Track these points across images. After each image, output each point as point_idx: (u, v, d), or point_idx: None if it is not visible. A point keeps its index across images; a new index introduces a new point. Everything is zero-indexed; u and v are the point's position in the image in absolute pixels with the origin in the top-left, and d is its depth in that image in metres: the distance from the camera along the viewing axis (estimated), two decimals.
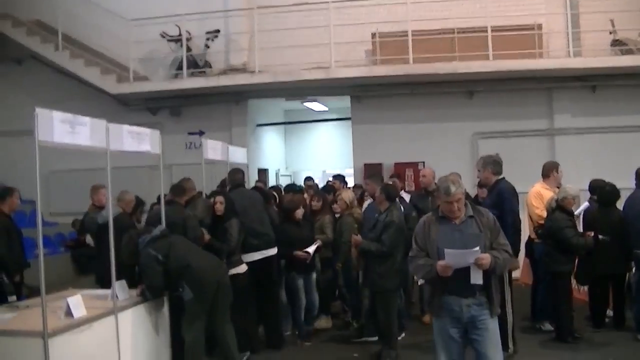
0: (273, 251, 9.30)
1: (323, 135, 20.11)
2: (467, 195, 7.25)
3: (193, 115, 15.77)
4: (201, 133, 15.02)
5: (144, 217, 9.83)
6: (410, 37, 13.97)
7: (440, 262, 5.63)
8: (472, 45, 14.14)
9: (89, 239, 11.51)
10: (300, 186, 12.46)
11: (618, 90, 14.74)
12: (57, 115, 5.95)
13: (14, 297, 7.38)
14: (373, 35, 14.96)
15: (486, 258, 5.57)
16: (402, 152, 14.98)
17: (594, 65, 14.08)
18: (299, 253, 9.36)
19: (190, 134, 15.66)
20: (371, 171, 13.85)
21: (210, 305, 7.49)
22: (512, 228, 7.81)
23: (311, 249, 9.44)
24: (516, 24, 14.33)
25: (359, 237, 8.69)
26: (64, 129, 6.00)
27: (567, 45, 14.53)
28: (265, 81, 14.54)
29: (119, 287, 7.14)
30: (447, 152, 14.49)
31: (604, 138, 14.55)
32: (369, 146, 15.37)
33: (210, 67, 15.48)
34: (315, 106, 17.75)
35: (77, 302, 6.38)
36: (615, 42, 14.50)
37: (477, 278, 5.65)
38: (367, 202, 10.63)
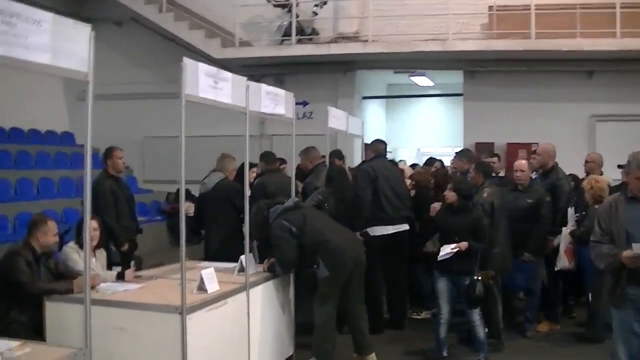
0: (406, 227, 8.89)
1: (427, 111, 19.37)
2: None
3: (297, 85, 15.08)
4: (305, 103, 14.41)
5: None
6: (533, 11, 13.19)
7: (627, 253, 4.99)
8: (595, 21, 13.26)
9: (187, 208, 11.07)
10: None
11: None
12: (202, 67, 5.41)
13: (118, 268, 6.89)
14: (490, 7, 14.21)
15: None
16: (515, 132, 14.22)
17: None
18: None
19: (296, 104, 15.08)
20: (482, 149, 13.20)
21: (344, 284, 6.92)
22: None
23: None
24: None
25: None
26: (207, 83, 5.47)
27: None
28: (378, 51, 13.91)
29: (249, 261, 6.62)
30: (562, 134, 13.61)
31: None
32: (480, 124, 14.63)
33: (318, 34, 14.90)
34: (421, 81, 17.03)
35: (211, 276, 5.88)
36: None
37: None
38: None
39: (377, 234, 8.60)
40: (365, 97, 16.59)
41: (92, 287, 5.50)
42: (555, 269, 8.54)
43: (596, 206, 8.03)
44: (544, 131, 13.66)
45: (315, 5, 14.83)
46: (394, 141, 19.08)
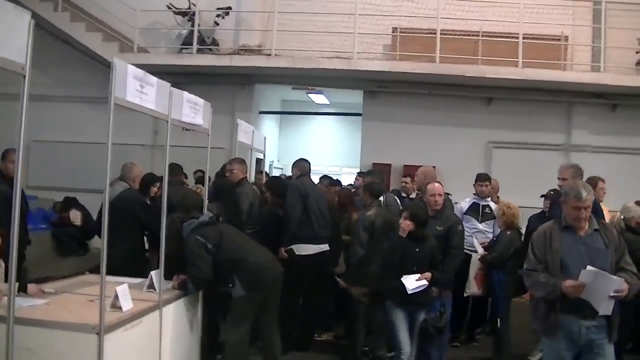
0: (327, 247, 8.76)
1: (323, 130, 19.35)
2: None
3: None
4: None
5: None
6: (438, 35, 13.33)
7: (570, 282, 4.97)
8: (496, 50, 13.62)
9: (73, 217, 10.56)
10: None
11: (639, 111, 14.29)
12: (131, 69, 5.03)
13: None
14: (394, 29, 14.31)
15: (626, 289, 4.93)
16: (413, 154, 14.18)
17: (615, 83, 13.59)
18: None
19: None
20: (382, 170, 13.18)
21: (259, 304, 6.63)
22: None
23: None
24: (542, 33, 13.88)
25: None
26: (135, 86, 5.09)
27: (591, 60, 14.17)
28: (282, 66, 13.71)
29: (156, 278, 6.23)
30: (460, 158, 13.91)
31: (621, 158, 14.09)
32: (378, 145, 14.67)
33: (218, 45, 14.56)
34: (318, 99, 16.96)
35: (126, 293, 5.45)
36: None
37: (607, 308, 5.00)
38: None
39: (303, 252, 8.49)
40: (261, 112, 16.32)
41: None
42: (465, 295, 8.45)
43: (508, 232, 8.07)
44: (442, 155, 13.90)
45: (217, 16, 14.51)
46: (286, 158, 18.92)
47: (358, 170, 14.16)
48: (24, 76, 3.97)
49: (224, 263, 6.45)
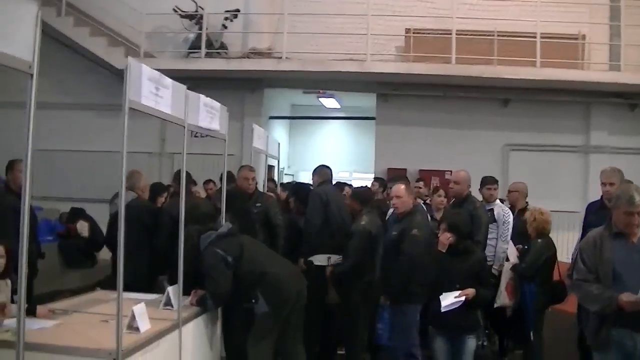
0: None
1: (334, 134, 18.95)
2: None
3: None
4: None
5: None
6: (454, 36, 12.95)
7: (629, 297, 4.64)
8: (512, 50, 13.25)
9: (80, 228, 10.22)
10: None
11: None
12: (146, 70, 4.64)
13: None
14: (407, 30, 13.92)
15: None
16: (428, 159, 13.96)
17: (634, 82, 13.22)
18: None
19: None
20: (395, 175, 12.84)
21: (283, 321, 6.23)
22: None
23: None
24: (559, 32, 13.50)
25: None
26: (149, 89, 4.69)
27: (609, 59, 13.87)
28: (293, 69, 13.32)
29: (174, 294, 5.85)
30: (476, 162, 13.38)
31: None
32: (393, 150, 14.29)
33: (226, 49, 14.17)
34: (329, 103, 16.57)
35: (143, 313, 5.06)
36: None
37: None
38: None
39: (324, 264, 7.87)
40: (271, 117, 15.97)
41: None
42: (495, 306, 8.00)
43: (539, 240, 7.66)
44: (458, 158, 13.49)
45: (226, 19, 14.11)
46: (296, 164, 18.55)
47: (373, 176, 13.80)
48: (32, 75, 3.50)
49: (245, 277, 6.06)
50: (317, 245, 7.94)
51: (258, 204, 8.10)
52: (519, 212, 8.74)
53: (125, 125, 4.39)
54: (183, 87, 5.47)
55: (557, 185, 13.31)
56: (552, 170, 13.74)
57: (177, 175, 8.47)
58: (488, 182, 8.86)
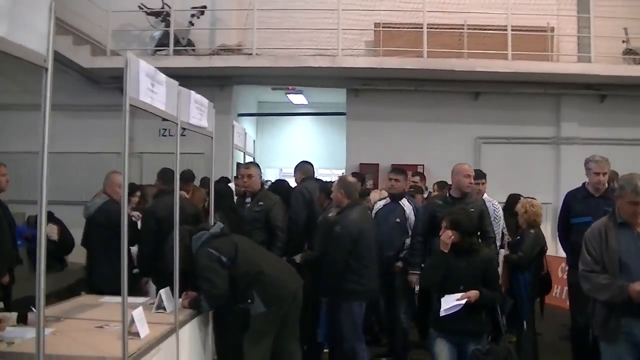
0: None
1: (303, 131, 18.80)
2: None
3: None
4: None
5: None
6: (425, 30, 12.90)
7: (638, 287, 4.58)
8: (482, 43, 13.28)
9: (49, 231, 9.93)
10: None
11: (627, 101, 14.18)
12: (143, 65, 4.41)
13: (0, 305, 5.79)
14: (376, 25, 13.83)
15: None
16: (400, 153, 13.85)
17: (603, 73, 13.36)
18: None
19: (165, 119, 13.98)
20: (370, 170, 13.20)
21: (280, 320, 6.07)
22: None
23: None
24: (528, 25, 13.58)
25: None
26: (147, 85, 4.48)
27: (577, 50, 13.99)
28: (264, 65, 13.12)
29: (167, 297, 5.65)
30: (448, 156, 13.33)
31: (611, 150, 13.66)
32: (364, 145, 14.26)
33: (193, 46, 13.93)
34: (297, 99, 16.42)
35: (142, 318, 4.85)
36: (628, 51, 13.96)
37: None
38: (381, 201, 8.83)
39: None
40: (240, 114, 15.74)
41: None
42: None
43: (532, 230, 7.61)
44: (431, 153, 13.59)
45: (192, 15, 13.88)
46: (264, 161, 18.36)
47: (342, 172, 13.72)
48: (46, 70, 3.16)
49: (239, 277, 5.86)
50: (301, 244, 7.82)
51: (260, 203, 7.83)
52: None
53: (126, 124, 4.17)
54: (175, 82, 5.24)
55: (529, 177, 13.33)
56: (524, 162, 13.88)
57: (161, 174, 8.15)
58: (476, 176, 8.61)
